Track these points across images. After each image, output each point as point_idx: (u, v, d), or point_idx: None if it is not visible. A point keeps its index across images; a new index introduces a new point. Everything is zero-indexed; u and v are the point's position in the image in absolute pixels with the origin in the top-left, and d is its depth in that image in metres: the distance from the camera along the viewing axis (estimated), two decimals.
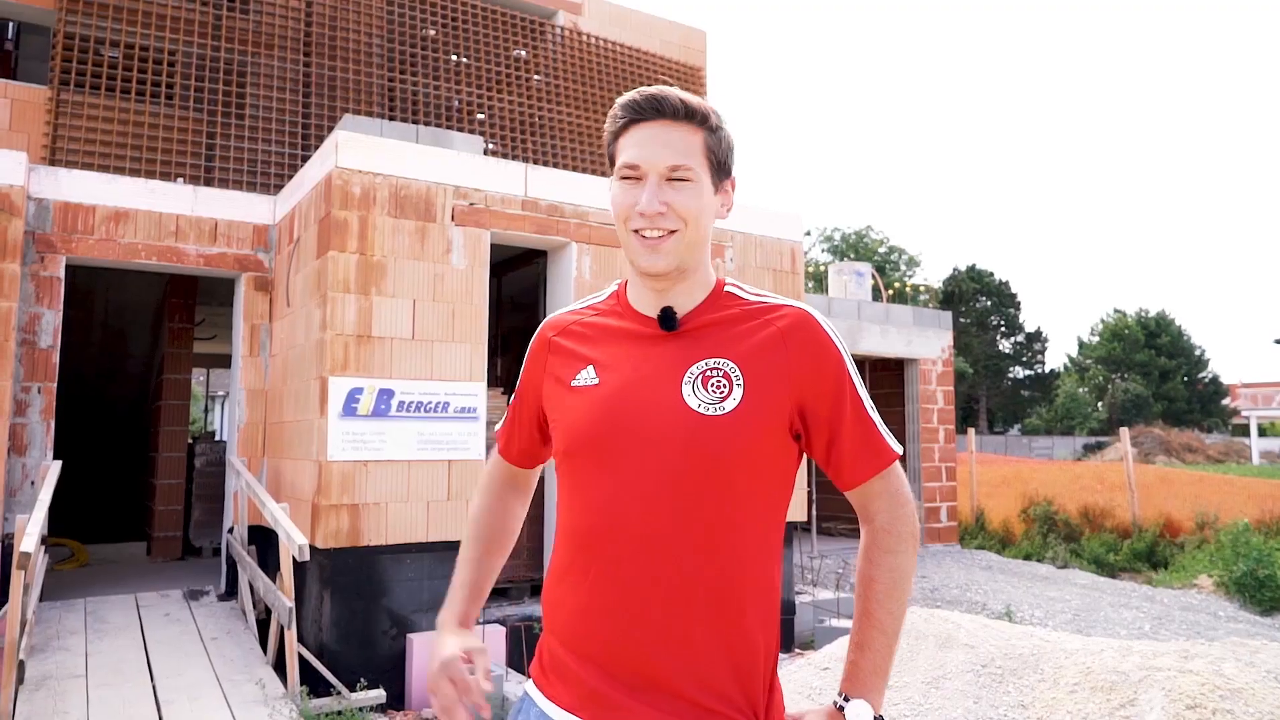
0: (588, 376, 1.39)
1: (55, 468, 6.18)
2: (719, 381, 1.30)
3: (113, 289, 9.55)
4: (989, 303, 49.20)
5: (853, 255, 46.11)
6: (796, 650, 7.74)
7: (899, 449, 1.38)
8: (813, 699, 4.32)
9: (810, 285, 21.39)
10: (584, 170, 10.72)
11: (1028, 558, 12.44)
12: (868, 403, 1.36)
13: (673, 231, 1.32)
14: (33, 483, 6.44)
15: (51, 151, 8.08)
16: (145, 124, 8.57)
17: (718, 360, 1.32)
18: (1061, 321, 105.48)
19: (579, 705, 1.32)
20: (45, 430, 6.59)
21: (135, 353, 11.21)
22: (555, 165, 10.52)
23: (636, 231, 1.34)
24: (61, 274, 6.73)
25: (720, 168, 1.37)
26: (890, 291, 19.92)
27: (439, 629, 1.51)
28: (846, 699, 1.30)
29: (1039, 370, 50.67)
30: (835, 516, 13.28)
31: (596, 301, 1.52)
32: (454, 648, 1.43)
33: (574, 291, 7.10)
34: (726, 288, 1.41)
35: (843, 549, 11.37)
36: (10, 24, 9.65)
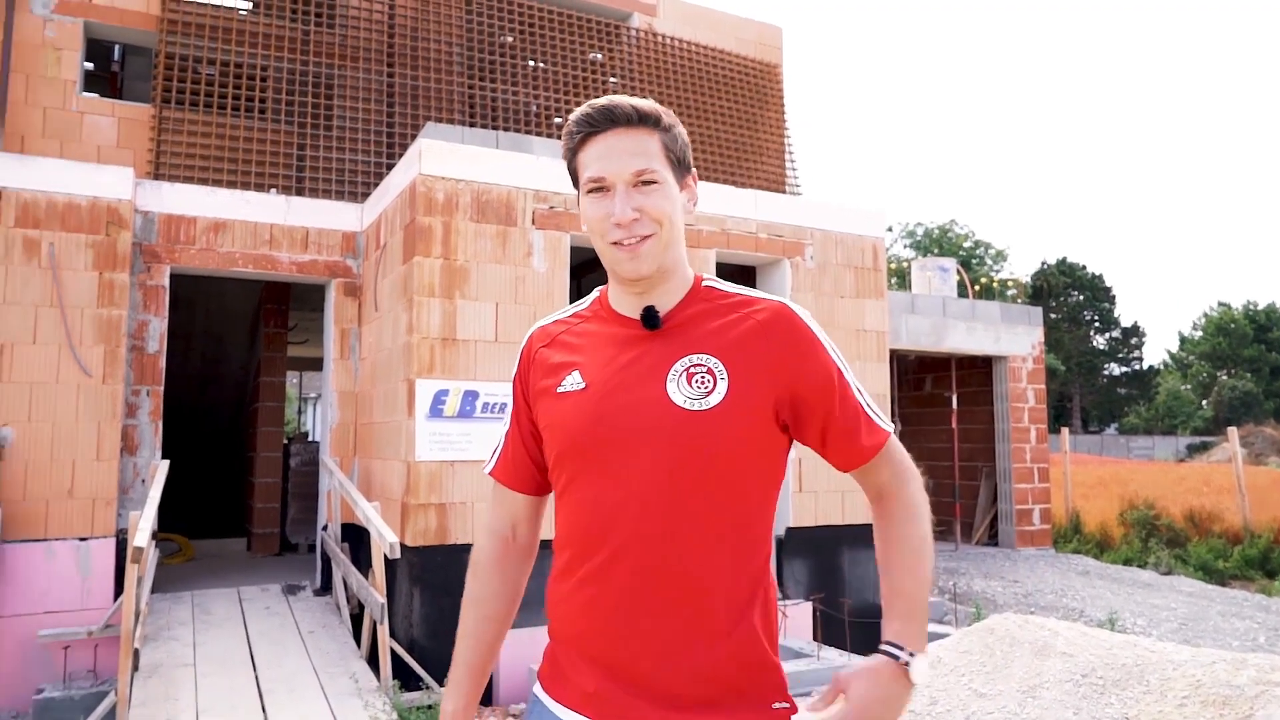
0: (574, 381, 1.40)
1: (163, 466, 6.50)
2: (703, 377, 1.31)
3: (212, 297, 9.99)
4: (1081, 297, 47.36)
5: (936, 250, 44.96)
6: None
7: (890, 426, 1.39)
8: None
9: (893, 282, 20.96)
10: None
11: (1127, 563, 11.92)
12: (855, 386, 1.37)
13: (648, 236, 1.33)
14: (143, 481, 6.78)
15: (155, 166, 8.50)
16: (240, 137, 8.94)
17: (700, 356, 1.33)
18: (1160, 316, 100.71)
19: (584, 704, 1.33)
20: (154, 431, 6.93)
21: (233, 357, 11.70)
22: None
23: (614, 243, 1.35)
24: (166, 282, 7.07)
25: (680, 164, 1.39)
26: (976, 287, 19.37)
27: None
28: (911, 654, 1.27)
29: (1136, 367, 48.53)
30: None
31: (580, 309, 1.52)
32: None
33: None
34: (705, 283, 1.42)
35: None
36: (116, 47, 10.19)
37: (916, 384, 13.54)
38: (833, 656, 6.59)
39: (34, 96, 8.60)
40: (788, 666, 6.28)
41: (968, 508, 12.31)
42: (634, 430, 1.32)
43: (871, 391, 8.09)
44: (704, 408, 1.29)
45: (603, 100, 1.37)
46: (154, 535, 6.62)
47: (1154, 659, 4.05)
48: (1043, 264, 48.07)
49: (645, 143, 1.35)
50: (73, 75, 8.82)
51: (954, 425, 11.87)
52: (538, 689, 1.44)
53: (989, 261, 47.47)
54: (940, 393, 12.87)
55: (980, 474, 12.28)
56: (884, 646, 1.27)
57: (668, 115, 1.38)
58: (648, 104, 1.37)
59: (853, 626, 7.23)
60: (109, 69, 10.42)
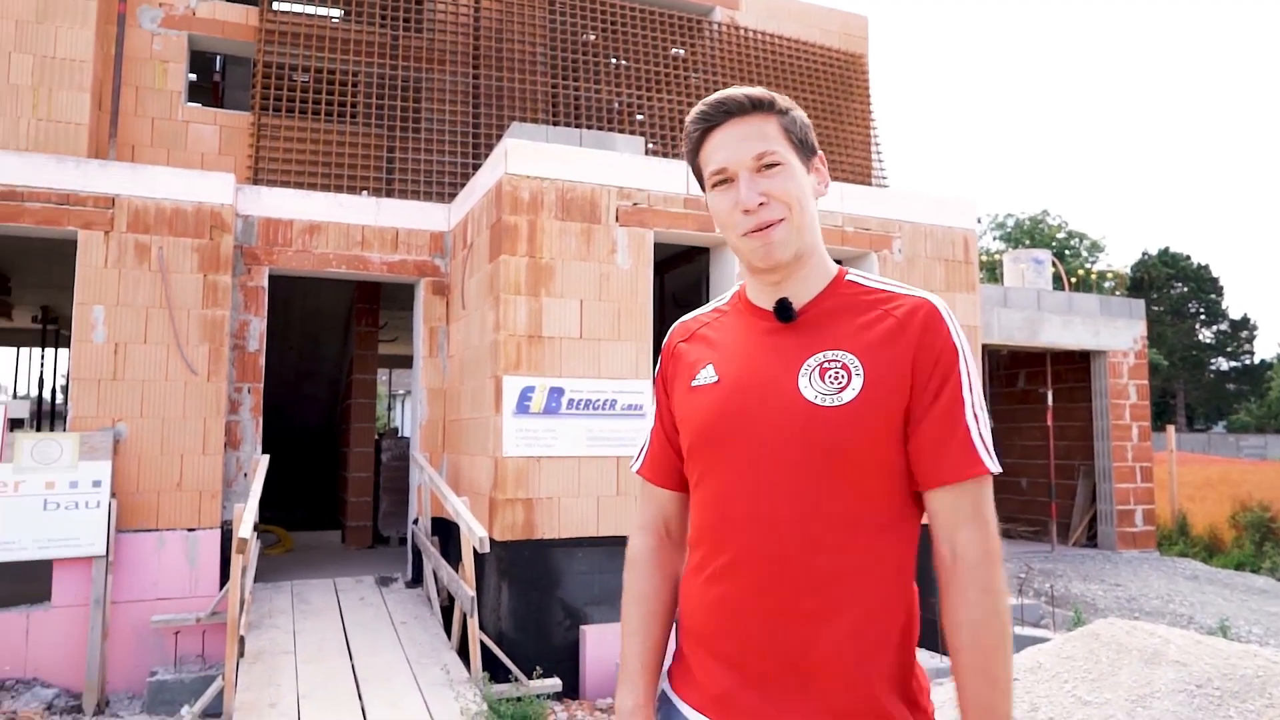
0: (708, 375, 1.39)
1: (264, 461, 6.75)
2: (837, 372, 1.27)
3: (308, 296, 10.35)
4: (1185, 289, 45.06)
5: (1028, 242, 43.43)
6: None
7: (995, 468, 1.25)
8: None
9: (982, 275, 20.33)
10: None
11: (1239, 567, 11.29)
12: (973, 406, 1.26)
13: (779, 220, 1.30)
14: (245, 474, 7.06)
15: (255, 171, 8.84)
16: (333, 141, 9.23)
17: (836, 352, 1.28)
18: (1273, 308, 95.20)
19: (708, 706, 1.31)
20: (255, 427, 7.21)
21: (327, 355, 12.10)
22: None
23: (746, 234, 1.32)
24: (265, 283, 7.34)
25: (804, 146, 1.35)
26: (1073, 280, 18.63)
27: (619, 716, 1.47)
28: None
29: (1247, 361, 45.92)
30: (1014, 518, 12.54)
31: (720, 303, 1.50)
32: (640, 710, 1.41)
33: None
34: (848, 277, 1.37)
35: (1023, 551, 10.72)
36: (218, 58, 10.65)
37: (1009, 380, 13.09)
38: (922, 659, 6.43)
39: (143, 108, 9.05)
40: None
41: (1064, 508, 11.85)
42: (763, 425, 1.29)
43: None
44: (836, 404, 1.25)
45: (716, 94, 1.35)
46: (256, 527, 6.90)
47: (1278, 670, 3.81)
48: (1143, 255, 45.92)
49: (763, 127, 1.32)
50: (178, 86, 9.24)
51: (1049, 423, 11.43)
52: (666, 685, 1.43)
53: (1084, 253, 45.62)
54: (1034, 389, 12.42)
55: (1078, 473, 11.80)
56: None
57: (783, 99, 1.35)
58: (760, 91, 1.34)
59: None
60: (211, 79, 10.89)
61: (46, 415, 14.60)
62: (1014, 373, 13.00)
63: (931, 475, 1.25)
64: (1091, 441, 11.48)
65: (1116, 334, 11.41)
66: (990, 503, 1.26)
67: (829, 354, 1.28)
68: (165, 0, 9.27)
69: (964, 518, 1.24)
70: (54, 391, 14.17)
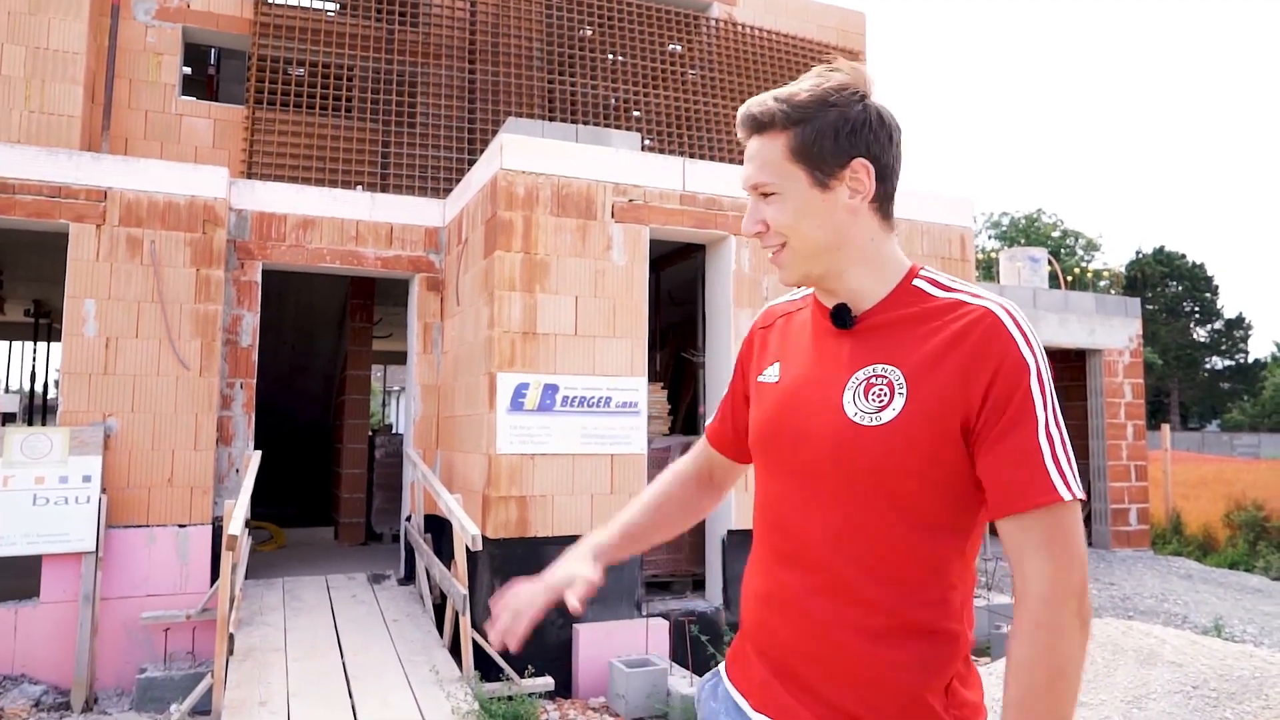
0: (772, 374, 1.40)
1: (256, 457, 6.71)
2: (881, 390, 1.22)
3: (302, 292, 10.29)
4: (1180, 287, 45.15)
5: (1023, 241, 43.44)
6: (971, 658, 7.34)
7: (1071, 494, 1.14)
8: (993, 711, 4.05)
9: (978, 274, 20.32)
10: (742, 163, 10.60)
11: (1234, 566, 11.29)
12: (1046, 425, 1.16)
13: (780, 246, 1.30)
14: (237, 470, 7.02)
15: (248, 165, 8.78)
16: (328, 136, 9.17)
17: (883, 366, 1.24)
18: (1267, 306, 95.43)
19: (752, 692, 1.35)
20: (247, 422, 7.16)
21: (321, 351, 12.04)
22: (713, 159, 10.46)
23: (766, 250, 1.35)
24: (259, 278, 7.29)
25: (818, 159, 1.26)
26: (1068, 278, 18.64)
27: (571, 550, 1.52)
28: None
29: (1241, 360, 46.05)
30: None
31: (807, 292, 1.45)
32: (561, 575, 1.45)
33: (733, 285, 7.01)
34: (916, 281, 1.29)
35: None
36: (212, 50, 10.57)
37: None
38: None
39: (136, 100, 8.98)
40: None
41: None
42: (808, 436, 1.28)
43: None
44: (875, 423, 1.21)
45: (744, 105, 1.33)
46: (247, 523, 6.85)
47: (1274, 671, 3.80)
48: (1138, 253, 46.03)
49: (765, 149, 1.29)
50: (172, 79, 9.17)
51: None
52: (722, 667, 1.48)
53: (1079, 251, 45.68)
54: None
55: None
56: None
57: (799, 109, 1.26)
58: (768, 106, 1.28)
59: None
60: (205, 73, 10.82)
61: (39, 410, 14.51)
62: None
63: (998, 504, 1.17)
64: (1086, 440, 11.48)
65: (1112, 333, 11.40)
66: (1070, 531, 1.15)
67: (877, 368, 1.24)
68: None
69: (1031, 548, 1.15)
70: (46, 386, 14.09)
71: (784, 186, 1.28)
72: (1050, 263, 13.42)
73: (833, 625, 1.24)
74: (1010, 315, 1.20)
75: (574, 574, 1.45)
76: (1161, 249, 45.58)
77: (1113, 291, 29.36)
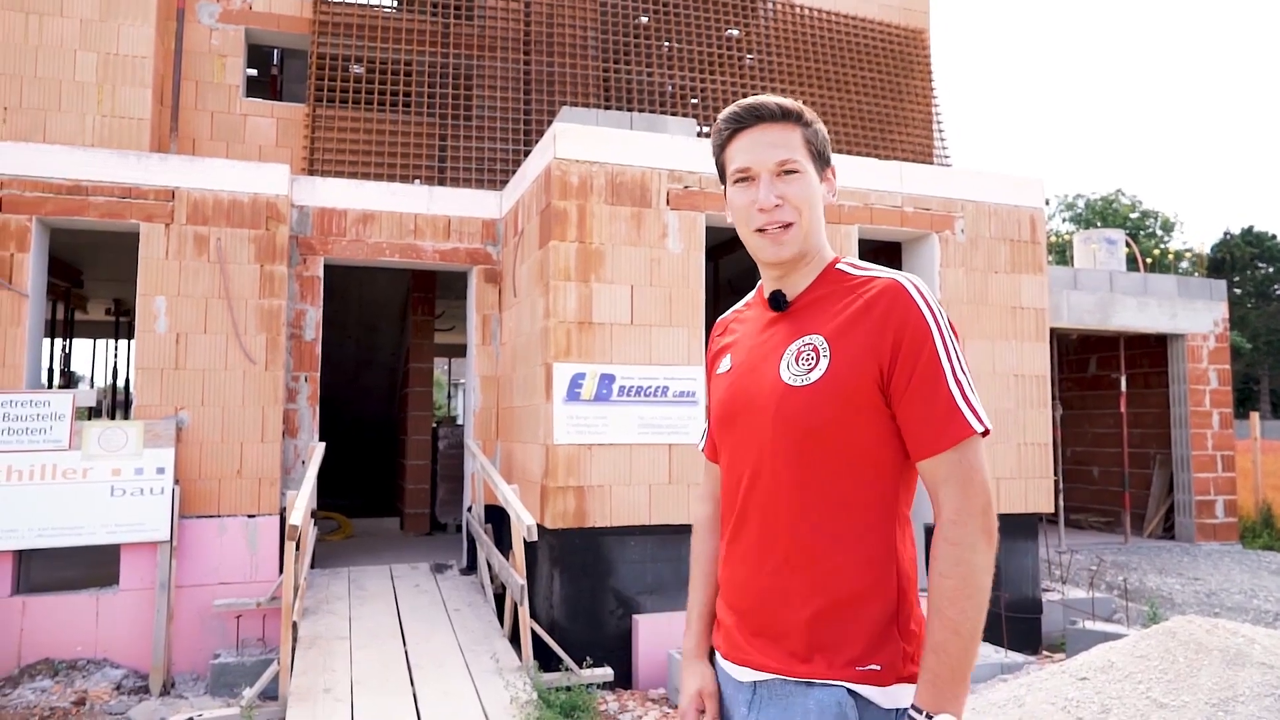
0: (726, 364, 1.59)
1: (320, 449, 6.83)
2: (808, 355, 1.40)
3: (364, 286, 10.46)
4: (1271, 269, 43.01)
5: (1099, 223, 41.87)
6: (1044, 653, 7.09)
7: (979, 425, 1.32)
8: (1069, 711, 3.88)
9: (1051, 258, 19.67)
10: None
11: None
12: (952, 370, 1.34)
13: (790, 224, 1.45)
14: (303, 462, 7.16)
15: (310, 163, 8.94)
16: (386, 131, 9.28)
17: (811, 336, 1.42)
18: None
19: (721, 643, 1.53)
20: (312, 415, 7.30)
21: (385, 344, 12.24)
22: None
23: (758, 230, 1.47)
24: (320, 273, 7.41)
25: (820, 157, 1.50)
26: (1148, 260, 17.88)
27: (683, 658, 1.68)
28: (928, 716, 1.27)
29: None
30: (1085, 508, 12.09)
31: (750, 297, 1.67)
32: (692, 688, 1.59)
33: None
34: (839, 265, 1.50)
35: (1095, 543, 10.32)
36: (275, 51, 10.80)
37: (1079, 365, 12.61)
38: (987, 652, 6.21)
39: (202, 102, 9.22)
40: None
41: (1138, 498, 11.37)
42: (754, 407, 1.46)
43: (1030, 373, 7.55)
44: (805, 384, 1.39)
45: (749, 99, 1.49)
46: (314, 514, 6.98)
47: None
48: (1225, 234, 43.98)
49: (788, 136, 1.46)
50: (236, 80, 9.39)
51: (1123, 409, 10.97)
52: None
53: (1159, 233, 43.86)
54: (1107, 374, 11.93)
55: (1153, 462, 11.31)
56: (909, 711, 1.29)
57: (809, 113, 1.50)
58: (791, 102, 1.49)
59: (1010, 621, 6.79)
60: (269, 73, 11.06)
61: (120, 404, 15.10)
62: (1084, 358, 12.51)
63: (918, 448, 1.35)
64: (1168, 429, 10.98)
65: (1195, 316, 10.87)
66: (976, 461, 1.32)
67: (806, 339, 1.43)
68: None
69: (943, 480, 1.32)
70: (126, 381, 14.65)
71: (806, 169, 1.47)
72: (1128, 244, 12.86)
73: (777, 573, 1.41)
74: (913, 284, 1.39)
75: (695, 690, 1.58)
76: (1250, 229, 43.47)
77: (1196, 274, 28.10)
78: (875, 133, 10.92)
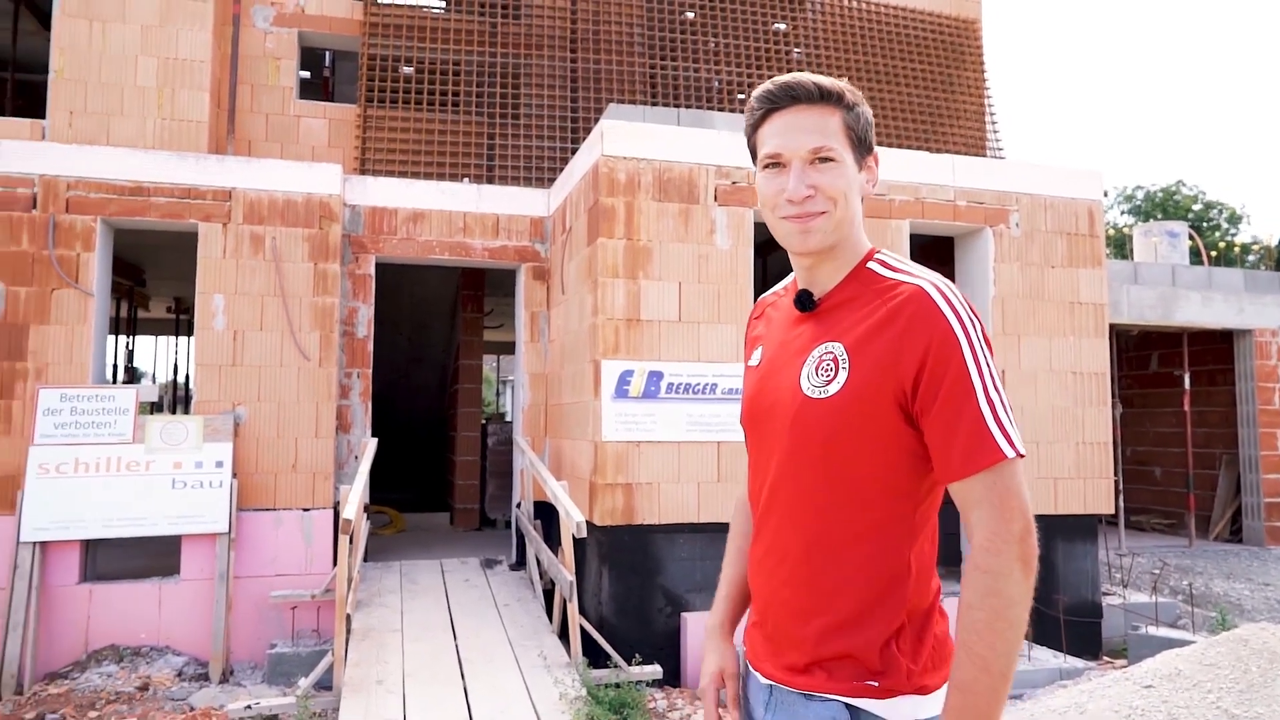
0: (755, 358, 1.53)
1: (372, 444, 6.93)
2: (828, 365, 1.34)
3: (415, 284, 10.59)
4: None
5: (1159, 215, 40.65)
6: (1105, 659, 6.90)
7: (1010, 451, 1.23)
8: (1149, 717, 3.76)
9: (1109, 252, 19.13)
10: None
11: None
12: (983, 388, 1.25)
13: (821, 213, 1.35)
14: (356, 457, 7.27)
15: (361, 162, 9.07)
16: (435, 130, 9.38)
17: (832, 344, 1.35)
18: None
19: (746, 647, 1.51)
20: (364, 410, 7.40)
21: (435, 341, 12.38)
22: None
23: (785, 217, 1.37)
24: (372, 271, 7.52)
25: (861, 144, 1.39)
26: (1212, 253, 17.30)
27: (706, 635, 1.64)
28: None
29: None
30: (1146, 509, 11.75)
31: (787, 281, 1.58)
32: (712, 667, 1.56)
33: None
34: (870, 264, 1.40)
35: (1157, 546, 10.02)
36: (327, 53, 10.98)
37: (1140, 362, 12.25)
38: (1045, 657, 6.06)
39: (258, 104, 9.41)
40: None
41: (1203, 499, 11.01)
42: (774, 413, 1.41)
43: (1089, 370, 7.35)
44: (822, 396, 1.33)
45: (786, 77, 1.38)
46: (367, 508, 7.09)
47: None
48: None
49: (826, 120, 1.35)
50: (290, 82, 9.56)
51: (1186, 408, 10.62)
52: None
53: (1224, 225, 42.41)
54: (1169, 371, 11.56)
55: (1219, 462, 10.94)
56: None
57: (852, 93, 1.38)
58: (831, 81, 1.37)
59: (1068, 625, 6.63)
60: (322, 75, 11.25)
61: (181, 400, 15.52)
62: (1145, 354, 12.15)
63: (946, 472, 1.27)
64: (1235, 428, 10.61)
65: (1264, 311, 10.48)
66: (1011, 485, 1.23)
67: (827, 345, 1.36)
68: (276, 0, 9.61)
69: (974, 503, 1.24)
70: (186, 377, 15.05)
71: (841, 156, 1.36)
72: (1191, 237, 12.47)
73: (793, 584, 1.38)
74: (941, 292, 1.29)
75: (715, 669, 1.56)
76: None
77: (1263, 267, 27.16)
78: (926, 126, 10.73)
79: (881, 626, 1.31)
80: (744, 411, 1.52)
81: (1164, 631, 6.64)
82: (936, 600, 1.37)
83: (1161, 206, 42.41)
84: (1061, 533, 7.10)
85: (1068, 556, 7.11)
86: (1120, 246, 25.45)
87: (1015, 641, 1.19)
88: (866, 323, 1.33)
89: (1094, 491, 7.24)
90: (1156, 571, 8.67)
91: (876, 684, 1.30)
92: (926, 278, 1.32)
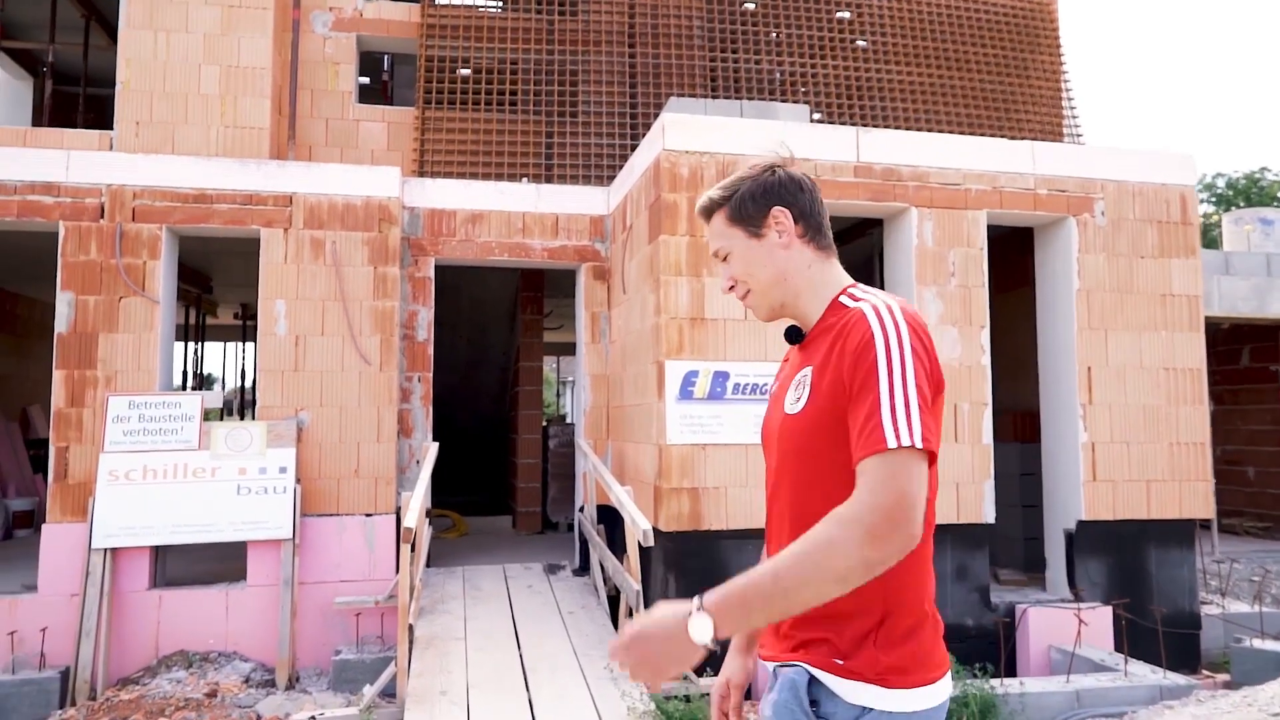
0: (773, 385, 1.74)
1: (433, 449, 6.85)
2: (802, 386, 1.53)
3: (474, 286, 10.54)
4: None
5: (1242, 203, 38.88)
6: (1205, 673, 6.47)
7: (894, 441, 1.32)
8: None
9: None
10: (921, 129, 9.90)
11: None
12: (888, 383, 1.37)
13: (747, 292, 1.64)
14: (418, 461, 7.20)
15: (420, 164, 9.04)
16: (493, 130, 9.30)
17: (806, 369, 1.54)
18: None
19: (761, 647, 1.64)
20: (425, 415, 7.34)
21: (495, 344, 12.33)
22: (889, 127, 9.81)
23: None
24: (431, 274, 7.45)
25: (749, 219, 1.60)
26: None
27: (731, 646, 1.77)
28: (700, 605, 1.32)
29: None
30: (1238, 512, 11.11)
31: None
32: (721, 677, 1.76)
33: (914, 260, 6.47)
34: (841, 297, 1.57)
35: (1255, 551, 9.43)
36: (386, 57, 11.01)
37: (1229, 357, 11.59)
38: (1143, 672, 5.67)
39: (317, 110, 9.46)
40: (1085, 681, 5.47)
41: None
42: (771, 434, 1.64)
43: (1182, 366, 6.92)
44: (794, 412, 1.53)
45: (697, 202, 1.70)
46: (429, 512, 7.02)
47: None
48: None
49: (716, 224, 1.65)
50: (349, 87, 9.59)
51: None
52: None
53: None
54: (1263, 366, 10.91)
55: None
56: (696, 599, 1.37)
57: (725, 188, 1.63)
58: (709, 197, 1.65)
59: (1166, 637, 6.22)
60: (381, 79, 11.28)
61: (249, 405, 15.80)
62: (1235, 348, 11.49)
63: (854, 456, 1.38)
64: None
65: None
66: (891, 470, 1.31)
67: (804, 370, 1.55)
68: (335, 5, 9.63)
69: (859, 480, 1.34)
70: (253, 383, 15.33)
71: (732, 246, 1.62)
72: None
73: None
74: (875, 309, 1.45)
75: (723, 679, 1.75)
76: None
77: None
78: (1000, 112, 10.29)
79: (861, 618, 1.44)
80: (761, 432, 1.74)
81: (1271, 645, 6.18)
82: (929, 604, 1.48)
83: (1244, 193, 40.53)
84: (1156, 538, 6.67)
85: (1162, 564, 6.68)
86: (1204, 234, 24.31)
87: (814, 577, 1.29)
88: (825, 345, 1.51)
89: (1190, 495, 6.80)
90: (1257, 579, 8.13)
91: (841, 663, 1.44)
92: (873, 301, 1.48)
